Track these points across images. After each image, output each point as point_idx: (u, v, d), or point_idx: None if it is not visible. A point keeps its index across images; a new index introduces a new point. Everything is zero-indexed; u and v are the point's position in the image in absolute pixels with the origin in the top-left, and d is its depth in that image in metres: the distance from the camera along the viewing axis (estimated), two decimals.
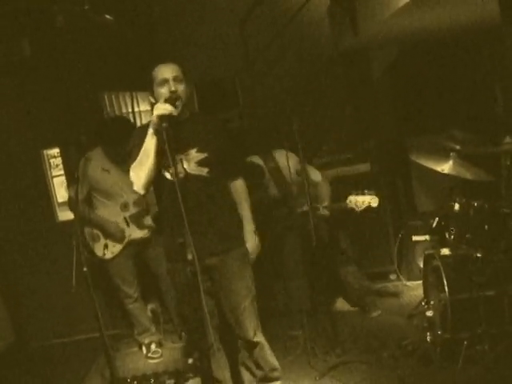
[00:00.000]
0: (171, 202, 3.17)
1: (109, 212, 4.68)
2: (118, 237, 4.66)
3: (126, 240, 4.68)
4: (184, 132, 3.26)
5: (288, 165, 4.53)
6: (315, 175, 4.78)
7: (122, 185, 4.65)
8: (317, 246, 4.25)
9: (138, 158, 3.18)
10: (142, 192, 3.29)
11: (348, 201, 4.29)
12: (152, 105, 3.21)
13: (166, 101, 3.09)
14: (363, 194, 4.24)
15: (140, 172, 3.19)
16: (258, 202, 4.79)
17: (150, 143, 3.12)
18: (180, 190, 2.86)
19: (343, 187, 5.02)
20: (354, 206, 4.26)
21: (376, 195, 4.22)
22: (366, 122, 5.98)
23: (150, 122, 3.16)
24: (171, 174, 2.96)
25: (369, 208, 4.23)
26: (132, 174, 3.24)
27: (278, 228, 4.83)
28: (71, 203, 4.59)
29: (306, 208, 4.65)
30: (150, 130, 3.09)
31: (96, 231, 4.71)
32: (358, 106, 6.01)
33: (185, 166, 3.20)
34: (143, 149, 3.15)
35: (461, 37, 5.50)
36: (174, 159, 2.96)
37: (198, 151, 3.26)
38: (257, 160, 4.83)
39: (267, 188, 4.82)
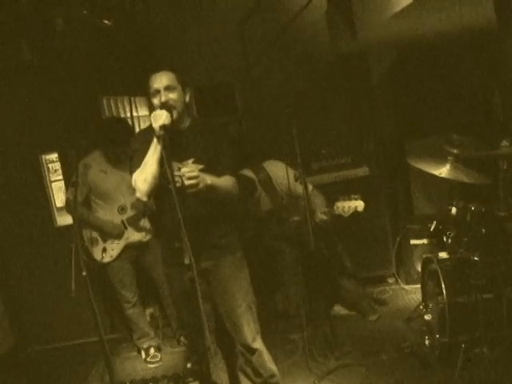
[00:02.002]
0: (169, 209, 3.18)
1: (107, 215, 4.69)
2: (116, 234, 4.67)
3: (123, 241, 4.69)
4: (183, 141, 3.27)
5: (287, 174, 4.53)
6: None
7: (119, 187, 4.67)
8: (313, 252, 4.25)
9: (142, 165, 3.18)
10: (144, 199, 3.29)
11: (335, 207, 4.27)
12: (151, 111, 3.22)
13: (161, 109, 3.10)
14: (349, 199, 4.23)
15: (143, 179, 3.18)
16: (251, 215, 4.81)
17: (153, 152, 3.12)
18: (177, 198, 2.87)
19: (341, 191, 5.03)
20: (341, 212, 4.26)
21: (362, 199, 4.21)
22: (364, 126, 5.99)
23: (150, 126, 3.16)
24: (168, 182, 2.96)
25: (355, 213, 4.23)
26: (135, 180, 3.23)
27: (272, 239, 4.84)
28: (69, 206, 4.60)
29: (297, 218, 4.68)
30: (155, 140, 3.09)
31: (94, 235, 4.72)
32: (356, 109, 6.02)
33: (188, 189, 3.17)
34: (147, 157, 3.15)
35: (459, 41, 5.51)
36: (170, 167, 2.96)
37: (194, 162, 3.25)
38: (248, 173, 4.83)
39: (259, 201, 4.82)
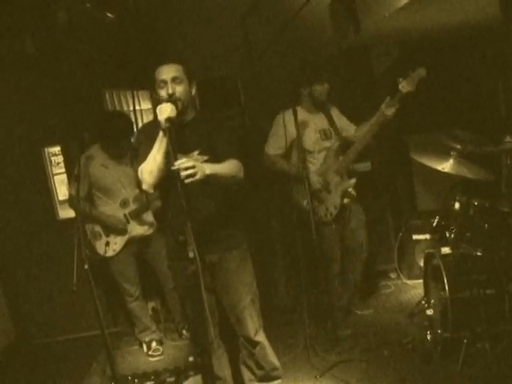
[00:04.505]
0: (173, 201, 3.18)
1: (109, 209, 4.69)
2: (119, 230, 4.67)
3: (126, 235, 4.69)
4: (188, 133, 3.27)
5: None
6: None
7: (121, 180, 4.67)
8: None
9: (148, 157, 3.17)
10: (151, 191, 3.29)
11: (401, 87, 4.25)
12: (154, 104, 3.22)
13: (166, 102, 3.10)
14: (412, 71, 4.23)
15: (149, 171, 3.17)
16: None
17: (159, 144, 3.11)
18: (182, 190, 2.87)
19: None
20: (408, 88, 4.24)
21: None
22: (366, 120, 5.98)
23: (155, 119, 3.15)
24: (174, 175, 2.95)
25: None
26: (142, 172, 3.22)
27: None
28: (72, 201, 4.60)
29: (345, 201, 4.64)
30: (161, 133, 3.08)
31: (97, 229, 4.72)
32: (358, 103, 6.00)
33: (186, 179, 3.16)
34: (153, 149, 3.14)
35: (463, 35, 5.49)
36: (176, 160, 2.96)
37: (199, 154, 3.25)
38: None
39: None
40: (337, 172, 4.58)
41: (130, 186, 4.68)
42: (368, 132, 4.47)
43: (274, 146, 4.64)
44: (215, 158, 3.24)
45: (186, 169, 2.96)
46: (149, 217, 4.78)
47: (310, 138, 4.60)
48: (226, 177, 3.24)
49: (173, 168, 2.98)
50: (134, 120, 5.40)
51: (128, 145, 4.63)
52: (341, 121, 4.74)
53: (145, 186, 3.25)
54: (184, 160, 3.03)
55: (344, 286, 4.81)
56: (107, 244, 4.69)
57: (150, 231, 4.79)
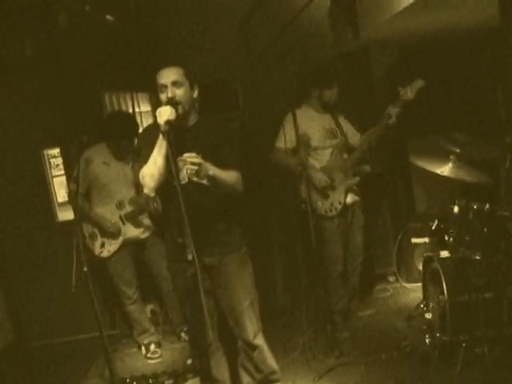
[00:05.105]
0: (173, 205, 3.17)
1: (105, 210, 4.71)
2: (113, 233, 4.68)
3: (121, 238, 4.70)
4: (189, 138, 3.26)
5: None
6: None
7: (119, 181, 4.68)
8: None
9: (149, 160, 3.17)
10: (152, 194, 3.30)
11: (401, 94, 4.30)
12: (153, 107, 3.22)
13: (166, 105, 3.10)
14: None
15: (150, 175, 3.17)
16: None
17: (159, 148, 3.11)
18: (182, 194, 2.86)
19: None
20: (408, 96, 4.28)
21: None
22: (366, 124, 5.98)
23: (156, 123, 3.15)
24: (173, 178, 2.95)
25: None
26: (143, 176, 3.22)
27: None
28: (71, 197, 4.59)
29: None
30: (160, 136, 3.08)
31: (94, 230, 4.74)
32: (357, 107, 6.00)
33: (188, 172, 3.16)
34: (153, 152, 3.14)
35: (462, 39, 5.50)
36: (175, 163, 2.95)
37: (202, 158, 3.25)
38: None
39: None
40: (341, 169, 4.62)
41: (127, 187, 4.69)
42: (373, 135, 4.57)
43: (283, 141, 4.65)
44: (217, 162, 3.23)
45: (192, 164, 2.98)
46: (145, 220, 4.78)
47: (316, 135, 4.65)
48: (226, 184, 3.26)
49: (180, 158, 2.99)
50: (134, 117, 5.40)
51: (130, 146, 4.63)
52: (347, 127, 4.80)
53: (146, 190, 3.25)
54: (193, 154, 3.04)
55: (343, 289, 4.82)
56: (102, 245, 4.72)
57: (146, 234, 4.78)
